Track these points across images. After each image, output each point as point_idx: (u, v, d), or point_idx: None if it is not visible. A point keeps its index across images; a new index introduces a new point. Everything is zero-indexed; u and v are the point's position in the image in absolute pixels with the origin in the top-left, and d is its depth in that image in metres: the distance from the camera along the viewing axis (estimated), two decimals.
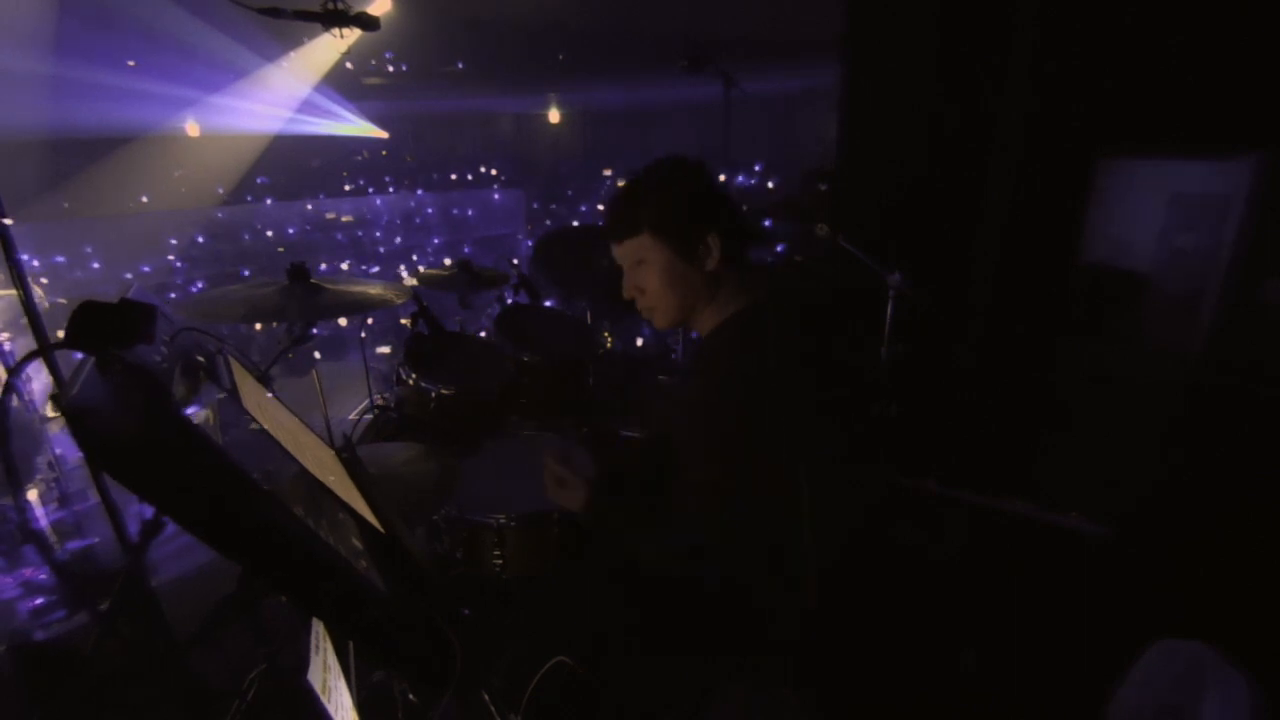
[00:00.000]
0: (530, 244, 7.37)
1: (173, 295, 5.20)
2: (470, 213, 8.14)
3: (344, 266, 6.63)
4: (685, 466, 1.08)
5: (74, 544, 2.15)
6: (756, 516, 1.02)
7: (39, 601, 1.86)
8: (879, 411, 2.20)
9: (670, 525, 1.10)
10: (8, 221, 1.33)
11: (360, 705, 0.82)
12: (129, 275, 5.41)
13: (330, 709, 0.69)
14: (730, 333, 1.12)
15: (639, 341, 3.46)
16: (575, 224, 6.68)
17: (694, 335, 2.72)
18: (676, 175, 1.14)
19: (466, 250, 7.65)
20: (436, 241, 7.66)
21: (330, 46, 5.71)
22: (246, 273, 5.98)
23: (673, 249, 1.10)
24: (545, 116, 8.37)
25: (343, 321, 5.13)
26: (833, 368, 1.12)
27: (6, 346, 2.32)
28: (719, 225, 1.09)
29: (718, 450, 1.02)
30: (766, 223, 4.50)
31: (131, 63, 5.05)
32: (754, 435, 0.99)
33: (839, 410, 1.09)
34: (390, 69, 6.48)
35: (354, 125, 7.23)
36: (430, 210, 7.86)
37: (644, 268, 1.14)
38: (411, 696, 1.21)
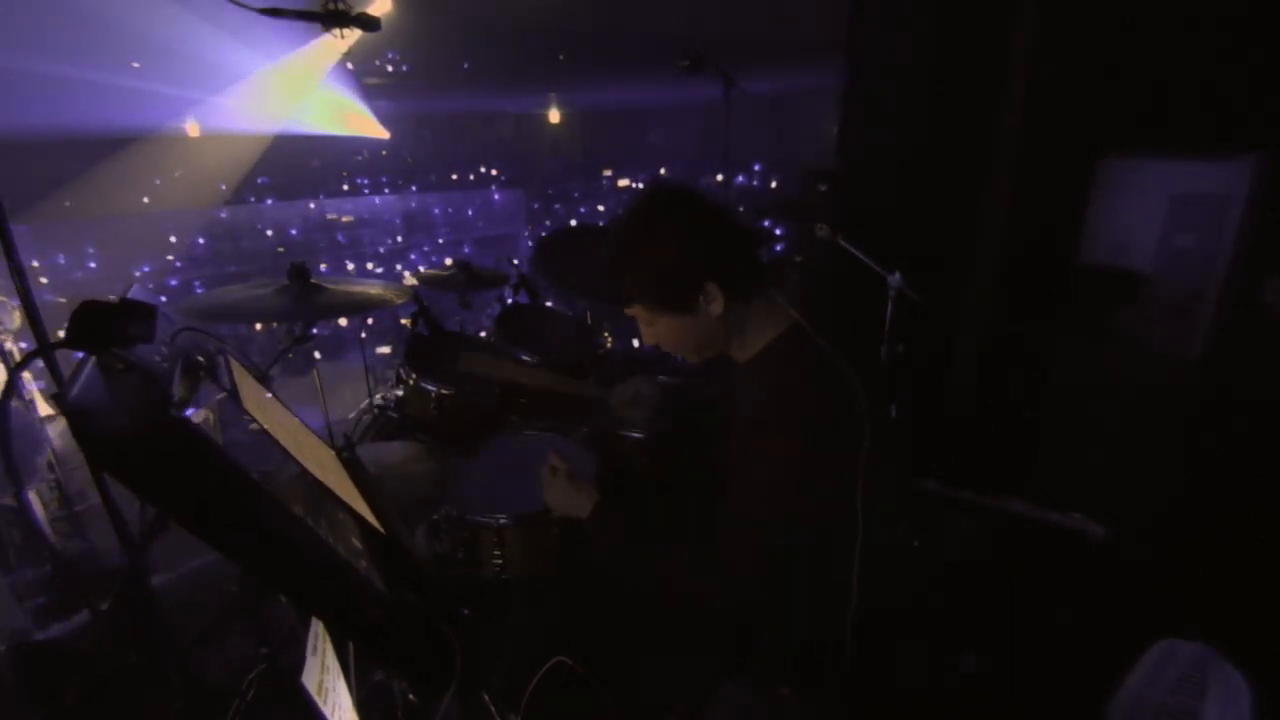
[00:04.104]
0: (530, 244, 7.37)
1: (172, 295, 5.20)
2: (470, 213, 8.14)
3: (349, 267, 6.63)
4: (741, 503, 1.05)
5: (74, 544, 2.14)
6: (811, 544, 1.01)
7: (39, 601, 1.86)
8: (880, 412, 2.20)
9: (672, 552, 1.09)
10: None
11: (360, 705, 0.82)
12: (130, 275, 5.42)
13: (327, 710, 0.69)
14: (774, 360, 1.09)
15: (636, 342, 3.46)
16: (575, 224, 6.68)
17: None
18: (658, 233, 1.05)
19: (466, 250, 7.66)
20: (437, 241, 7.67)
21: (331, 47, 5.71)
22: (246, 273, 5.98)
23: (671, 310, 1.07)
24: (545, 116, 8.37)
25: (343, 321, 5.13)
26: (866, 377, 1.09)
27: (7, 346, 2.32)
28: (716, 272, 1.03)
29: (779, 488, 0.99)
30: (765, 223, 4.49)
31: (135, 64, 5.06)
32: (816, 468, 0.98)
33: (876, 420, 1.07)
34: (390, 69, 6.49)
35: (354, 125, 7.23)
36: (430, 210, 7.86)
37: (653, 326, 1.12)
38: (411, 696, 1.21)
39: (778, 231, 4.46)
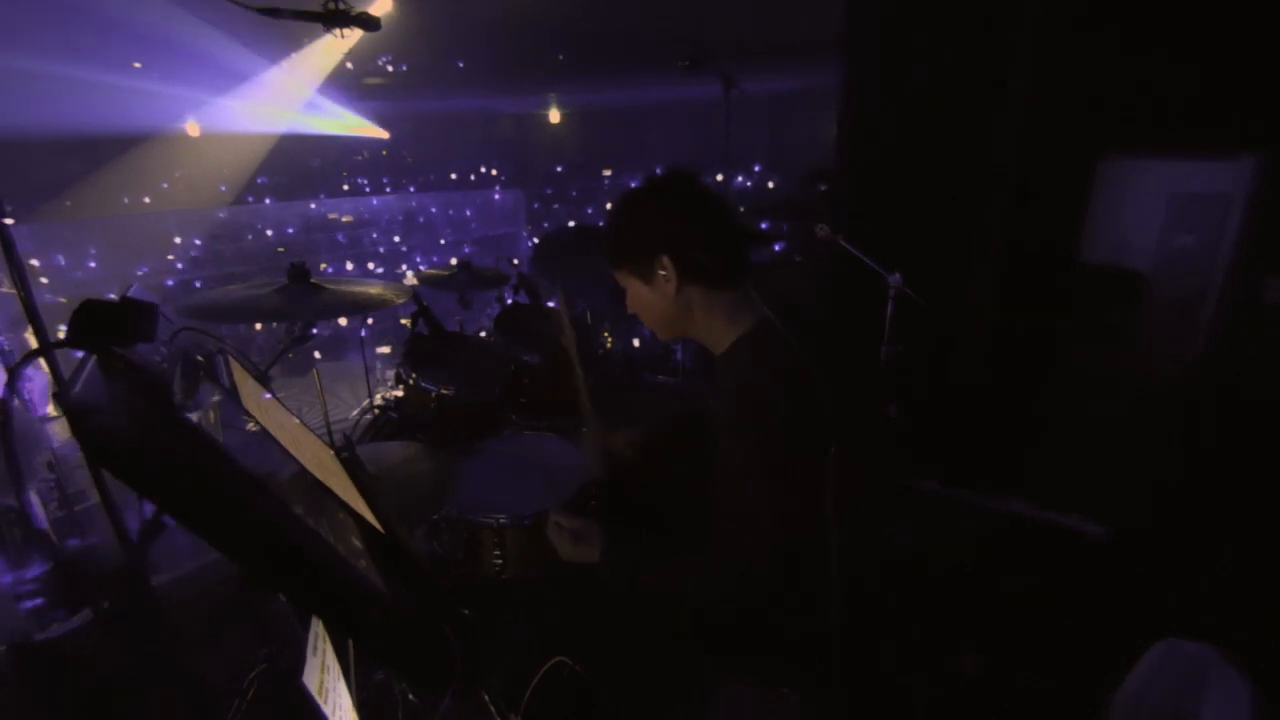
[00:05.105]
0: (531, 244, 7.38)
1: (173, 294, 5.20)
2: (470, 213, 8.14)
3: (348, 267, 6.63)
4: (724, 500, 1.06)
5: (74, 544, 2.15)
6: (794, 540, 1.02)
7: (39, 601, 1.86)
8: (879, 412, 2.20)
9: (685, 566, 1.09)
10: (9, 221, 1.32)
11: (360, 705, 0.82)
12: (131, 274, 5.42)
13: (328, 710, 0.69)
14: (744, 357, 1.10)
15: (636, 342, 3.46)
16: (575, 224, 6.69)
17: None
18: (635, 203, 1.14)
19: (466, 250, 7.65)
20: (438, 241, 7.66)
21: (331, 47, 5.71)
22: (246, 273, 5.98)
23: (636, 277, 1.13)
24: (545, 116, 8.36)
25: (343, 321, 5.13)
26: (840, 373, 1.10)
27: (7, 346, 2.32)
28: (672, 248, 1.07)
29: (755, 484, 1.01)
30: (764, 225, 4.50)
31: (137, 64, 5.06)
32: (785, 464, 0.99)
33: (853, 416, 1.08)
34: (390, 69, 6.49)
35: (354, 125, 7.23)
36: (430, 210, 7.86)
37: (628, 289, 1.17)
38: (411, 696, 1.21)
39: (784, 229, 4.47)
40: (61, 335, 0.67)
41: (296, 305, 1.59)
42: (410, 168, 8.17)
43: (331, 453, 1.07)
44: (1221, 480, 1.98)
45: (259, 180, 6.76)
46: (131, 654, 1.50)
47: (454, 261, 2.46)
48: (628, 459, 1.56)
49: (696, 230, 1.09)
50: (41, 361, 1.96)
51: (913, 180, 2.56)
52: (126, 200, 5.87)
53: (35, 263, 4.68)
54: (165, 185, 6.06)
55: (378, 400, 2.62)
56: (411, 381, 1.98)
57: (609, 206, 1.20)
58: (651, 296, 1.13)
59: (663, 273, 1.09)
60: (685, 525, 1.31)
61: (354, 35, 1.77)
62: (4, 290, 2.23)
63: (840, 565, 1.01)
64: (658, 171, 1.16)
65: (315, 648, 0.77)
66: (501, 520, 1.46)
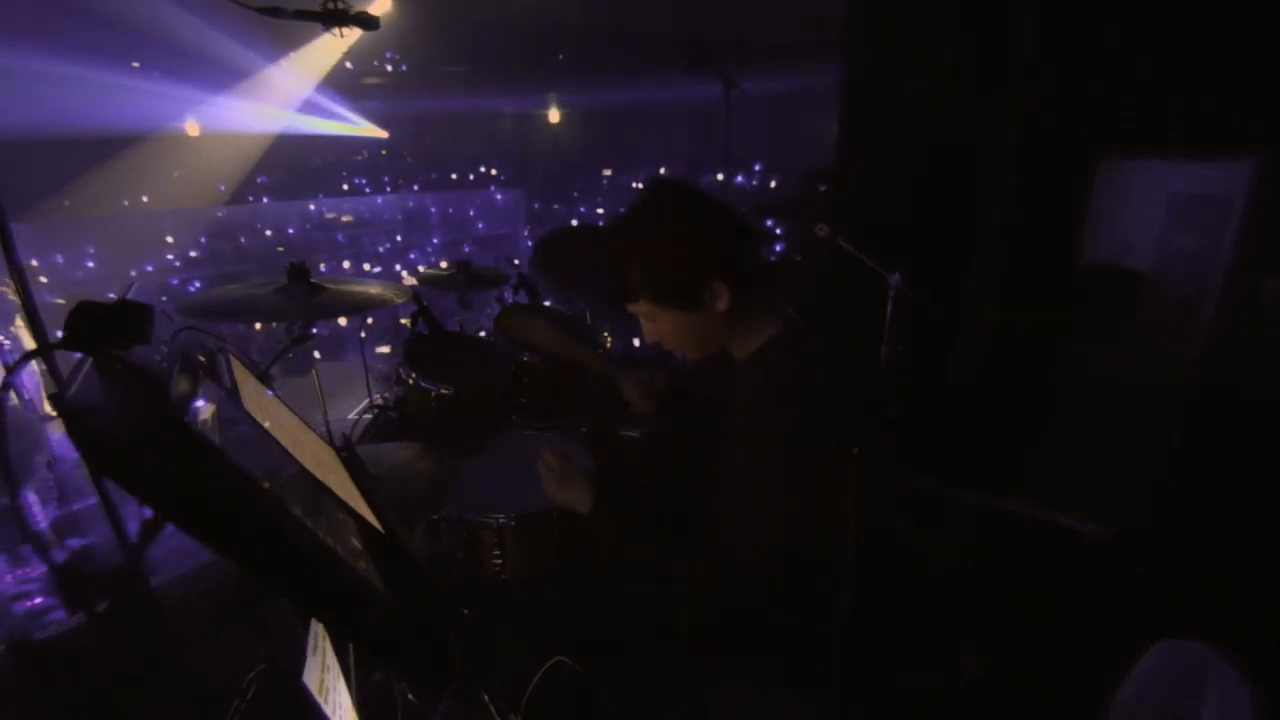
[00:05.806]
0: (530, 244, 7.37)
1: (171, 293, 5.20)
2: (470, 213, 8.14)
3: (347, 268, 6.63)
4: (736, 501, 1.05)
5: (73, 543, 2.15)
6: (804, 542, 1.02)
7: (38, 601, 1.87)
8: (880, 412, 2.20)
9: (685, 563, 1.09)
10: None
11: (360, 705, 0.82)
12: (129, 274, 5.41)
13: (328, 710, 0.69)
14: (767, 364, 1.09)
15: (636, 341, 3.46)
16: (574, 223, 6.69)
17: None
18: (668, 226, 1.06)
19: (466, 250, 7.65)
20: (436, 241, 7.67)
21: (331, 46, 5.71)
22: (246, 272, 5.98)
23: (677, 306, 1.07)
24: (545, 116, 8.36)
25: (343, 321, 5.13)
26: (840, 373, 1.09)
27: (6, 345, 2.32)
28: (723, 269, 1.03)
29: (772, 487, 1.00)
30: (768, 223, 4.50)
31: (136, 64, 5.07)
32: (806, 469, 0.98)
33: (853, 416, 1.08)
34: (390, 69, 6.48)
35: (354, 125, 7.23)
36: (430, 210, 7.86)
37: (656, 322, 1.12)
38: (411, 697, 1.21)
39: (778, 231, 4.46)
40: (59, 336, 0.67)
41: (296, 305, 1.59)
42: (410, 168, 8.17)
43: (332, 451, 1.07)
44: (1221, 480, 1.98)
45: (258, 179, 6.76)
46: (131, 654, 1.50)
47: (445, 263, 2.46)
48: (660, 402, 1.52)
49: (733, 244, 1.07)
50: (39, 362, 1.95)
51: (913, 180, 2.56)
52: (127, 203, 5.87)
53: (35, 262, 4.68)
54: (165, 185, 6.06)
55: (378, 400, 2.62)
56: (411, 381, 1.98)
57: (622, 238, 1.12)
58: (692, 321, 1.08)
59: (712, 296, 1.04)
60: (686, 525, 1.30)
61: (353, 34, 1.76)
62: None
63: (840, 565, 1.01)
64: (660, 190, 1.10)
65: (315, 647, 0.77)
66: (501, 520, 1.46)
